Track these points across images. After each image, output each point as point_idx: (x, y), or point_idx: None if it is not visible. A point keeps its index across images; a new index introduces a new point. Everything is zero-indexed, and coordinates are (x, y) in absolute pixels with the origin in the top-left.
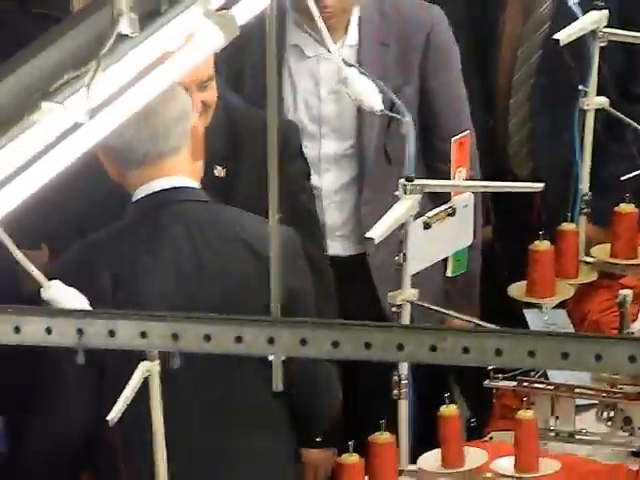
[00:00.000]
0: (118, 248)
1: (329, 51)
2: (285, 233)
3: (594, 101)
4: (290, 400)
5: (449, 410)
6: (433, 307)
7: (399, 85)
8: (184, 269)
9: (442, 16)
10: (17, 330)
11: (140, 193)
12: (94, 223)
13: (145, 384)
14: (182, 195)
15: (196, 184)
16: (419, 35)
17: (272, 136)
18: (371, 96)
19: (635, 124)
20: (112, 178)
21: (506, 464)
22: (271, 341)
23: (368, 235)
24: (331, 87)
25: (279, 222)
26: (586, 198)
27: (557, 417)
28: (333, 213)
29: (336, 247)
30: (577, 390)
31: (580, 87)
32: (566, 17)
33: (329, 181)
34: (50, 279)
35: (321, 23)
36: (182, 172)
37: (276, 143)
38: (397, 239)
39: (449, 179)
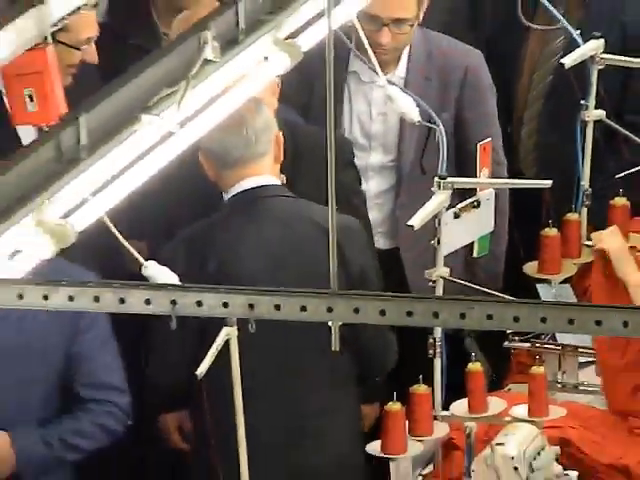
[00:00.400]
0: (219, 237)
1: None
2: (354, 224)
3: (593, 113)
4: (357, 353)
5: (475, 366)
6: (461, 282)
7: (437, 113)
8: (275, 253)
9: (481, 59)
10: (122, 301)
11: (234, 190)
12: (182, 224)
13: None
14: (269, 191)
15: (279, 182)
16: (458, 73)
17: (331, 147)
18: (410, 109)
19: (631, 135)
20: (210, 178)
21: (521, 410)
22: (330, 310)
23: (409, 223)
24: (380, 109)
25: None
26: (587, 193)
27: (564, 372)
28: (374, 213)
29: (377, 241)
30: (580, 350)
31: (582, 102)
32: (575, 49)
33: (372, 186)
34: (161, 263)
35: (374, 58)
36: (267, 173)
37: (334, 153)
38: (425, 235)
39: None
